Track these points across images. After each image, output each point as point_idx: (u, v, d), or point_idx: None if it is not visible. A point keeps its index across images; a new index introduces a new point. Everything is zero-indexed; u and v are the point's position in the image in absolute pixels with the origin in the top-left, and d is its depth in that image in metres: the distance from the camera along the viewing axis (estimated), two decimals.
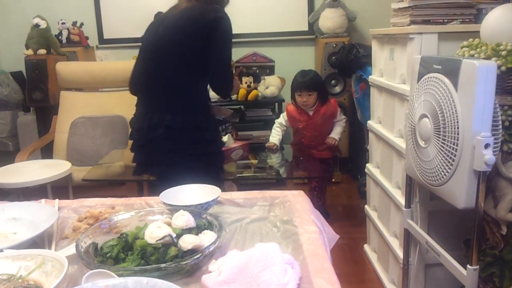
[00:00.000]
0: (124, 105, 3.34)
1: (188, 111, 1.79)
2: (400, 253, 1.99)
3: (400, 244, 2.02)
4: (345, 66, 3.12)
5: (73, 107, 3.47)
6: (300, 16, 4.08)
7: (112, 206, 1.12)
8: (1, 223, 1.07)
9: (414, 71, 1.74)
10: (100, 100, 3.50)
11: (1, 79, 4.01)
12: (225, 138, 2.63)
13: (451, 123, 1.44)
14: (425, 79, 1.63)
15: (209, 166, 1.84)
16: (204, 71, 1.80)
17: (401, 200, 1.96)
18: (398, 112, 2.06)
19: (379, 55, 2.38)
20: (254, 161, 2.82)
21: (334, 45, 3.75)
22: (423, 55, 1.73)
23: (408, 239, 1.90)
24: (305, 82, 2.90)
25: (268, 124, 3.67)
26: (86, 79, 3.52)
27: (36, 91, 3.82)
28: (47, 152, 3.62)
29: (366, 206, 2.59)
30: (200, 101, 1.88)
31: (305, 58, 4.15)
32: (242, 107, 3.75)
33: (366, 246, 2.60)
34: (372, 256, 2.45)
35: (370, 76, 2.48)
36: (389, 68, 2.22)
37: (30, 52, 3.77)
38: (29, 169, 2.81)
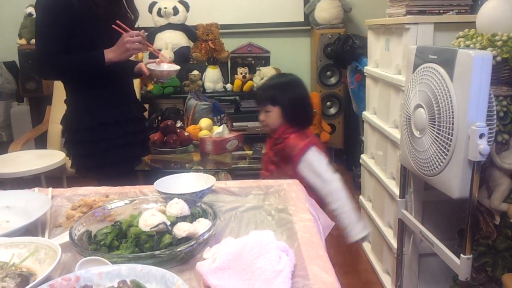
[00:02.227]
0: None
1: None
2: (394, 243, 2.00)
3: (394, 234, 2.03)
4: (340, 57, 3.11)
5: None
6: (296, 7, 4.06)
7: (106, 194, 1.12)
8: None
9: (410, 61, 1.73)
10: None
11: None
12: (220, 129, 2.63)
13: (446, 113, 1.44)
14: (421, 69, 1.63)
15: None
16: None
17: (396, 191, 1.97)
18: (393, 102, 2.06)
19: (375, 46, 2.37)
20: (249, 152, 2.82)
21: (329, 36, 3.74)
22: (418, 45, 1.73)
23: (402, 229, 1.91)
24: (259, 92, 1.94)
25: None
26: None
27: (30, 81, 3.78)
28: (40, 142, 3.60)
29: (360, 197, 2.60)
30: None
31: (300, 49, 4.14)
32: (237, 98, 3.73)
33: None
34: (367, 247, 2.47)
35: (365, 67, 2.48)
36: (384, 59, 2.22)
37: (23, 41, 3.73)
38: (22, 159, 2.79)
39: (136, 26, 1.83)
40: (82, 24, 1.59)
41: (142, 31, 1.66)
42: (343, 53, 3.03)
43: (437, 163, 1.50)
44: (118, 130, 1.73)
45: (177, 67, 1.81)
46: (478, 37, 1.58)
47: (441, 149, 1.47)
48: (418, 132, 1.62)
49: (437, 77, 1.51)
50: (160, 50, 3.30)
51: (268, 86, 1.80)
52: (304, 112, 1.74)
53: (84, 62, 1.64)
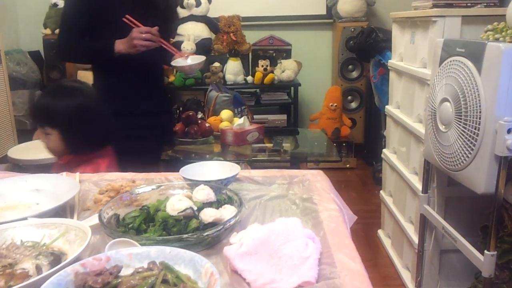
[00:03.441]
0: None
1: None
2: (415, 238, 1.98)
3: (416, 230, 2.01)
4: (363, 51, 3.08)
5: None
6: (318, 0, 4.03)
7: (133, 180, 1.13)
8: (24, 193, 1.09)
9: (436, 55, 1.71)
10: None
11: (20, 58, 4.04)
12: (241, 120, 2.63)
13: (473, 107, 1.42)
14: (447, 62, 1.60)
15: None
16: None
17: (418, 186, 1.95)
18: (418, 96, 2.04)
19: (400, 39, 2.34)
20: (269, 145, 2.82)
21: (352, 30, 3.71)
22: (445, 38, 1.70)
23: (424, 224, 1.89)
24: (33, 109, 1.79)
25: (283, 108, 3.66)
26: None
27: (54, 71, 3.85)
28: None
29: (381, 192, 2.58)
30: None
31: (322, 42, 4.12)
32: (257, 90, 3.73)
33: (380, 232, 2.60)
34: (386, 242, 2.45)
35: (389, 61, 2.45)
36: (409, 52, 2.19)
37: (48, 31, 3.79)
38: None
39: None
40: (105, 13, 1.60)
41: (156, 27, 1.61)
42: (366, 46, 3.00)
43: (462, 157, 1.48)
44: (140, 121, 1.72)
45: (202, 58, 1.77)
46: (508, 30, 1.55)
47: (467, 144, 1.45)
48: (444, 127, 1.60)
49: (465, 71, 1.48)
50: (181, 42, 3.31)
51: (42, 102, 1.43)
52: (89, 133, 1.38)
53: (95, 50, 1.68)
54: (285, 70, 3.61)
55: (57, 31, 3.74)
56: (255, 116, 3.32)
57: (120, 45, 1.61)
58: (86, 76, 3.53)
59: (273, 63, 3.65)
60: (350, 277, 0.70)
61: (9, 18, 3.94)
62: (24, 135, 3.78)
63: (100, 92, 1.69)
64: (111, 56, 1.61)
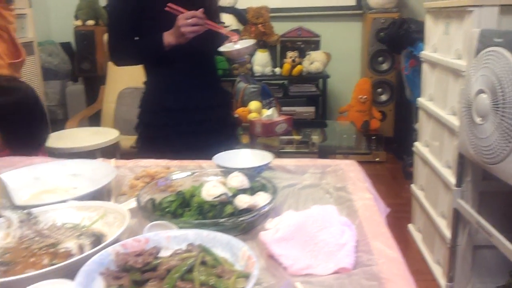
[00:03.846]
0: None
1: None
2: (447, 233, 1.95)
3: (448, 224, 1.97)
4: (395, 42, 3.03)
5: (120, 78, 3.55)
6: None
7: (167, 166, 1.15)
8: (62, 178, 1.12)
9: (472, 46, 1.66)
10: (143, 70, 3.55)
11: (51, 50, 4.13)
12: (269, 112, 2.63)
13: (511, 98, 1.38)
14: (484, 53, 1.56)
15: None
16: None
17: (451, 180, 1.90)
18: (452, 88, 1.99)
19: (433, 30, 2.29)
20: (297, 137, 2.81)
21: (382, 21, 3.64)
22: (482, 29, 1.65)
23: (457, 219, 1.85)
24: None
25: (311, 100, 3.64)
26: None
27: (85, 62, 3.93)
28: (94, 120, 3.74)
29: (412, 186, 2.54)
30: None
31: (351, 34, 4.06)
32: (285, 82, 3.72)
33: (410, 226, 2.56)
34: (417, 236, 2.41)
35: (422, 52, 2.39)
36: (443, 43, 2.14)
37: (79, 22, 3.86)
38: (79, 135, 2.92)
39: None
40: (149, 7, 1.52)
41: (201, 9, 1.49)
42: (398, 37, 2.94)
43: (499, 150, 1.44)
44: (194, 116, 1.62)
45: (251, 42, 1.59)
46: None
47: (504, 136, 1.41)
48: (480, 119, 1.55)
49: (503, 61, 1.44)
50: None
51: None
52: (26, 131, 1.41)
53: (145, 48, 1.59)
54: (313, 61, 3.59)
55: (88, 23, 3.84)
56: (282, 108, 3.31)
57: (168, 37, 1.51)
58: (115, 67, 3.58)
59: (302, 55, 3.63)
60: (388, 264, 0.70)
61: (41, 10, 4.02)
62: (56, 125, 3.88)
63: (153, 87, 1.68)
64: (162, 51, 1.52)
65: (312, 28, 3.80)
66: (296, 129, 2.94)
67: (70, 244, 0.75)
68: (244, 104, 2.93)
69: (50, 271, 0.68)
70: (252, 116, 2.70)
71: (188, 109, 1.61)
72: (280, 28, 3.74)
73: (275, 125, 2.55)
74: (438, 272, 2.07)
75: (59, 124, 3.98)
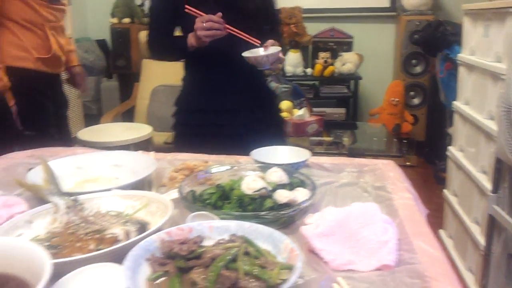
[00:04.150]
0: None
1: None
2: (481, 240, 1.90)
3: (482, 231, 1.93)
4: (430, 44, 2.98)
5: (153, 75, 3.61)
6: None
7: (205, 160, 1.16)
8: (105, 168, 1.15)
9: None
10: (180, 69, 3.60)
11: (87, 46, 4.24)
12: (301, 112, 2.63)
13: None
14: None
15: None
16: None
17: (487, 185, 1.86)
18: (491, 92, 1.94)
19: (471, 32, 2.24)
20: (328, 138, 2.80)
21: (417, 23, 3.59)
22: None
23: (492, 226, 1.81)
24: None
25: (342, 102, 3.62)
26: None
27: (119, 59, 4.01)
28: (127, 117, 3.81)
29: (444, 191, 2.49)
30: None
31: (384, 36, 4.01)
32: (316, 82, 3.71)
33: (441, 232, 2.51)
34: (448, 242, 2.37)
35: (459, 55, 2.35)
36: (482, 46, 2.09)
37: (115, 20, 3.95)
38: (113, 130, 2.98)
39: None
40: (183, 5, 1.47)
41: (219, 14, 1.42)
42: (434, 40, 2.89)
43: None
44: (231, 119, 1.58)
45: (276, 49, 1.48)
46: None
47: None
48: None
49: None
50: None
51: None
52: None
53: (174, 46, 1.58)
54: (345, 63, 3.57)
55: (124, 20, 3.92)
56: (313, 109, 3.31)
57: (190, 39, 1.48)
58: (149, 65, 3.65)
59: (334, 56, 3.61)
60: (431, 263, 0.69)
61: (79, 8, 4.13)
62: (90, 119, 3.99)
63: (191, 86, 1.66)
64: (187, 51, 1.51)
65: (345, 29, 3.78)
66: (326, 130, 2.93)
67: (117, 230, 0.78)
68: None
69: (99, 255, 0.71)
70: (283, 115, 2.72)
71: (227, 111, 1.57)
72: (313, 28, 3.73)
73: (306, 125, 2.56)
74: (470, 280, 2.02)
75: (94, 119, 4.08)
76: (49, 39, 1.82)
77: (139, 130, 2.93)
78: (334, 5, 3.94)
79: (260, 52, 1.48)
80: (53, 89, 2.00)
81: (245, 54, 1.50)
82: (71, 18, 3.53)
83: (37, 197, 0.99)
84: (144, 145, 2.94)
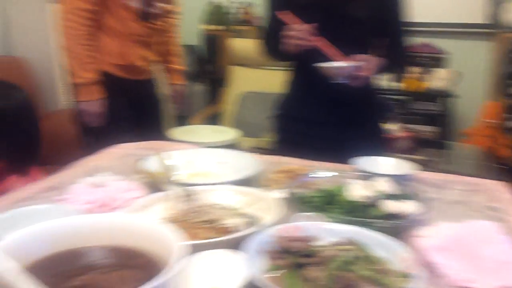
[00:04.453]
0: None
1: None
2: None
3: None
4: None
5: (241, 82, 3.72)
6: (479, 7, 3.72)
7: (308, 165, 1.18)
8: (211, 164, 1.20)
9: None
10: (267, 76, 3.68)
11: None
12: (393, 126, 2.57)
13: None
14: None
15: None
16: None
17: None
18: None
19: None
20: (417, 156, 2.70)
21: None
22: None
23: None
24: None
25: (433, 119, 3.47)
26: (256, 56, 3.72)
27: (209, 64, 4.18)
28: (214, 120, 3.94)
29: None
30: None
31: (481, 53, 3.79)
32: (406, 98, 3.60)
33: None
34: None
35: None
36: None
37: (207, 27, 4.12)
38: (202, 131, 3.11)
39: None
40: (301, 14, 1.44)
41: (309, 25, 1.38)
42: None
43: None
44: (336, 131, 1.53)
45: (349, 64, 1.39)
46: None
47: None
48: None
49: None
50: None
51: None
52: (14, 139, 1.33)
53: (281, 48, 1.50)
54: (438, 79, 3.42)
55: (215, 27, 4.07)
56: (403, 125, 3.21)
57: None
58: (237, 71, 3.76)
59: (426, 71, 3.48)
60: None
61: None
62: (179, 121, 4.18)
63: (296, 93, 1.64)
64: (287, 58, 1.52)
65: (439, 44, 3.63)
66: (415, 147, 2.84)
67: (232, 221, 0.81)
68: None
69: (217, 242, 0.74)
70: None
71: (334, 124, 1.53)
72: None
73: (397, 141, 2.49)
74: None
75: (181, 120, 4.28)
76: (129, 49, 1.91)
77: (227, 133, 3.03)
78: (429, 20, 3.80)
79: (334, 64, 1.41)
80: (133, 92, 2.03)
81: (318, 64, 1.43)
82: None
83: (151, 185, 1.06)
84: (232, 148, 3.02)
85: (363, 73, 1.39)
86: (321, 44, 1.41)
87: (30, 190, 1.03)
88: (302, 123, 1.58)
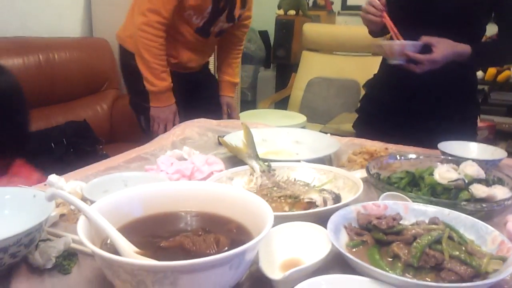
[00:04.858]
0: (358, 70, 3.40)
1: None
2: None
3: None
4: None
5: (311, 67, 3.68)
6: None
7: (386, 147, 1.16)
8: (287, 143, 1.22)
9: None
10: (337, 62, 3.63)
11: (251, 36, 4.48)
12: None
13: None
14: None
15: None
16: None
17: None
18: None
19: None
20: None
21: None
22: None
23: None
24: None
25: None
26: (328, 41, 3.67)
27: (280, 49, 4.17)
28: (281, 106, 3.96)
29: None
30: None
31: None
32: (486, 87, 3.39)
33: None
34: None
35: None
36: None
37: (281, 12, 4.11)
38: (268, 116, 3.14)
39: None
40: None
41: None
42: None
43: None
44: (420, 114, 1.45)
45: (414, 42, 1.28)
46: None
47: None
48: None
49: None
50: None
51: None
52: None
53: None
54: None
55: (289, 12, 4.05)
56: (481, 116, 3.03)
57: None
58: (308, 56, 3.73)
59: None
60: None
61: None
62: (246, 105, 4.24)
63: (385, 74, 1.56)
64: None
65: None
66: (494, 139, 2.68)
67: (315, 196, 0.82)
68: None
69: (303, 214, 0.76)
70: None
71: (420, 106, 1.44)
72: (489, 29, 3.40)
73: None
74: None
75: (249, 104, 4.34)
76: (182, 53, 1.90)
77: (294, 118, 3.04)
78: None
79: (396, 41, 1.32)
80: (189, 82, 2.00)
81: (374, 41, 1.40)
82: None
83: (230, 159, 1.09)
84: None
85: (429, 56, 1.26)
86: (388, 21, 1.35)
87: (121, 159, 1.10)
88: (383, 108, 1.52)
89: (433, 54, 1.26)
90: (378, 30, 1.44)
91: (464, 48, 1.30)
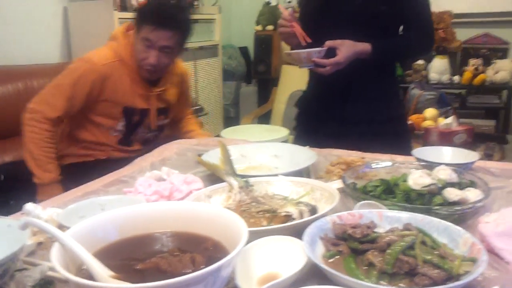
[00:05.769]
0: None
1: None
2: None
3: None
4: None
5: (292, 80, 3.72)
6: None
7: (362, 156, 1.17)
8: (266, 157, 1.23)
9: None
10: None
11: (231, 53, 4.53)
12: (448, 120, 2.49)
13: None
14: None
15: None
16: None
17: None
18: None
19: None
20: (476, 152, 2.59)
21: None
22: None
23: None
24: None
25: (492, 114, 3.32)
26: None
27: (261, 64, 4.21)
28: (264, 120, 3.99)
29: None
30: None
31: None
32: (463, 91, 3.47)
33: None
34: None
35: None
36: None
37: (259, 27, 4.15)
38: (252, 131, 3.15)
39: None
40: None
41: (289, 10, 1.47)
42: None
43: None
44: (352, 129, 1.51)
45: (314, 50, 1.39)
46: None
47: None
48: None
49: None
50: None
51: None
52: None
53: None
54: (499, 71, 3.27)
55: (267, 27, 4.10)
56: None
57: None
58: (289, 70, 3.77)
59: (486, 63, 3.34)
60: None
61: (225, 17, 4.43)
62: (229, 121, 4.26)
63: (313, 90, 1.67)
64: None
65: (500, 34, 3.47)
66: (473, 142, 2.72)
67: (292, 210, 0.83)
68: (418, 111, 2.82)
69: (279, 228, 0.76)
70: (427, 123, 2.59)
71: (351, 121, 1.51)
72: (463, 34, 3.50)
73: (453, 135, 2.40)
74: None
75: (232, 121, 4.35)
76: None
77: (277, 132, 3.04)
78: (489, 9, 3.64)
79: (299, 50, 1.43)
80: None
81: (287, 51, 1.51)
82: (219, 26, 3.82)
83: (209, 177, 1.10)
84: None
85: (332, 60, 1.39)
86: (296, 29, 1.46)
87: (100, 183, 1.10)
88: (317, 120, 1.60)
89: (336, 57, 1.39)
90: (296, 43, 1.49)
91: (364, 47, 1.43)
